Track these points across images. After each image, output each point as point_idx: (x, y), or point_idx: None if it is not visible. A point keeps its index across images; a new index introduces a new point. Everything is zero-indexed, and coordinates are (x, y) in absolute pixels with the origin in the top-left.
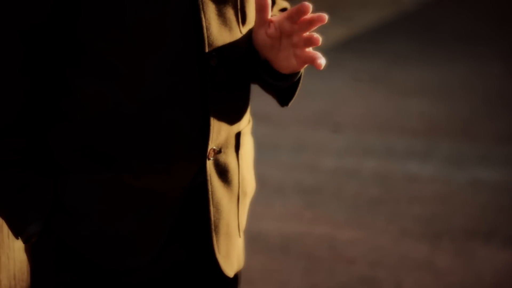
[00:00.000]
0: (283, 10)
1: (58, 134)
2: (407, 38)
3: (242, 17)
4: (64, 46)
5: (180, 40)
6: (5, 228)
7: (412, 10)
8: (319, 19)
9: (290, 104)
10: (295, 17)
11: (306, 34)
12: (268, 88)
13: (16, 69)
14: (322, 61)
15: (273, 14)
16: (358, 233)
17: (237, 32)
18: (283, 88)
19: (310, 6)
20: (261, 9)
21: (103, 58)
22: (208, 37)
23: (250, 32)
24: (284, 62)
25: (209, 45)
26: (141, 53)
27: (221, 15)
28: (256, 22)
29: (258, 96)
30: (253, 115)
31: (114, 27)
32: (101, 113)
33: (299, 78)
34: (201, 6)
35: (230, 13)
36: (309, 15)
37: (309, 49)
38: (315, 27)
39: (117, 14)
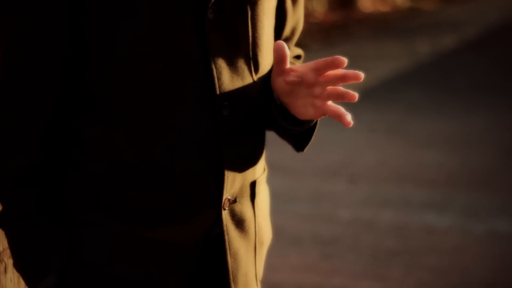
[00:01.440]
0: (297, 57)
1: (71, 185)
2: (423, 89)
3: (254, 66)
4: (76, 96)
5: (191, 91)
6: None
7: (428, 61)
8: (355, 77)
9: (305, 150)
10: (323, 69)
11: (334, 87)
12: (283, 133)
13: (32, 121)
14: (349, 117)
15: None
16: (375, 285)
17: (250, 81)
18: (299, 133)
19: (345, 61)
20: (279, 61)
21: (113, 108)
22: (219, 86)
23: (264, 78)
24: (301, 109)
25: (221, 94)
26: (152, 104)
27: (233, 64)
28: (274, 71)
29: (274, 147)
30: (269, 165)
31: (123, 77)
32: (113, 164)
33: (315, 123)
34: (211, 56)
35: (242, 62)
36: (343, 71)
37: (330, 102)
38: (344, 83)
39: (126, 65)
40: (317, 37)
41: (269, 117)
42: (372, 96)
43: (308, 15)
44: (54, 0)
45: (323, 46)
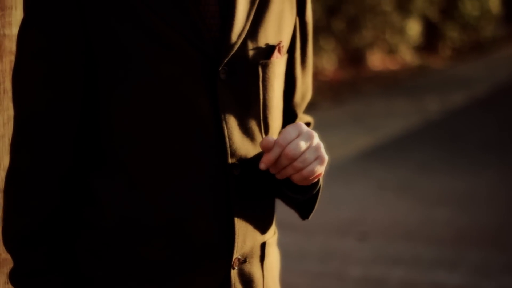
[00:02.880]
0: (307, 124)
1: (83, 243)
2: (433, 146)
3: (265, 128)
4: (88, 151)
5: (202, 151)
6: None
7: (437, 119)
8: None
9: (310, 217)
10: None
11: None
12: (288, 201)
13: (47, 179)
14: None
15: None
16: None
17: None
18: (302, 201)
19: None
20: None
21: (124, 165)
22: (230, 146)
23: None
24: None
25: (232, 154)
26: (162, 163)
27: (244, 125)
28: None
29: (284, 205)
30: (279, 223)
31: (134, 135)
32: (124, 220)
33: (318, 191)
34: (223, 116)
35: (252, 123)
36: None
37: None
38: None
39: (138, 123)
40: (326, 95)
41: (275, 185)
42: (382, 154)
43: (317, 72)
44: (68, 50)
45: (332, 104)
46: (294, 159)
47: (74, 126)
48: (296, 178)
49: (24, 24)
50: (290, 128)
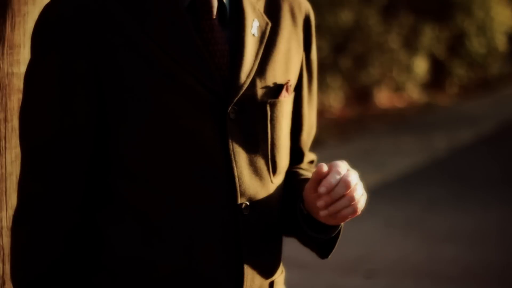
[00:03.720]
0: (311, 162)
1: (97, 285)
2: (440, 184)
3: (273, 167)
4: (98, 193)
5: (212, 190)
6: None
7: (444, 156)
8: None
9: (330, 256)
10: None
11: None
12: (308, 241)
13: (57, 217)
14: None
15: (304, 168)
16: None
17: (268, 182)
18: (324, 241)
19: (322, 168)
20: (317, 180)
21: (133, 206)
22: (240, 186)
23: (281, 179)
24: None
25: (241, 194)
26: (172, 203)
27: (253, 164)
28: (310, 188)
29: (290, 243)
30: (286, 261)
31: (142, 175)
32: (132, 262)
33: (339, 230)
34: (232, 155)
35: (261, 162)
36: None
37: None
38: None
39: (146, 162)
40: (333, 133)
41: (293, 225)
42: (389, 191)
43: (324, 110)
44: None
45: (339, 141)
46: (349, 187)
47: (85, 161)
48: (344, 212)
49: (33, 62)
50: (339, 162)
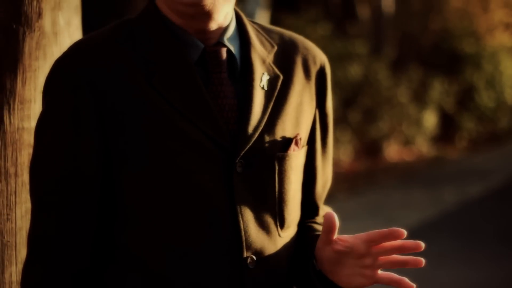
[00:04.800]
0: None
1: None
2: (450, 238)
3: (280, 221)
4: (104, 247)
5: (217, 242)
6: None
7: (453, 209)
8: (415, 247)
9: None
10: (377, 241)
11: (391, 257)
12: None
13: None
14: (408, 281)
15: (319, 222)
16: None
17: (276, 236)
18: None
19: (405, 233)
20: (329, 231)
21: (138, 258)
22: (246, 240)
23: (289, 233)
24: (348, 278)
25: (247, 248)
26: (177, 255)
27: (259, 218)
28: (321, 239)
29: None
30: None
31: (148, 227)
32: None
33: None
34: (238, 209)
35: (268, 216)
36: (400, 242)
37: (381, 270)
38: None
39: (152, 214)
40: (342, 186)
41: (304, 281)
42: None
43: (334, 164)
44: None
45: (349, 195)
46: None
47: (93, 204)
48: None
49: (43, 113)
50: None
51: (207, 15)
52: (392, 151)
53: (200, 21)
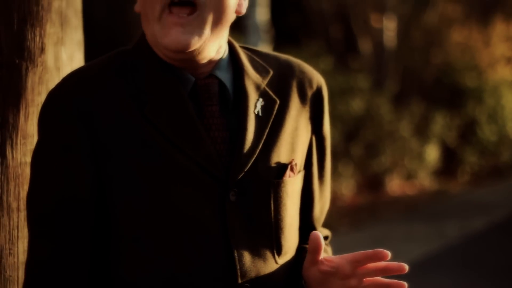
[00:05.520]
0: (325, 238)
1: None
2: (453, 272)
3: (277, 248)
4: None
5: (212, 271)
6: None
7: (457, 244)
8: (399, 270)
9: None
10: (362, 261)
11: (374, 279)
12: None
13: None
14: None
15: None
16: None
17: (272, 263)
18: None
19: (389, 254)
20: (314, 251)
21: (133, 284)
22: (240, 268)
23: (287, 259)
24: None
25: (242, 276)
26: (170, 283)
27: (255, 246)
28: (307, 260)
29: None
30: None
31: (142, 258)
32: None
33: None
34: (232, 238)
35: (264, 244)
36: (385, 263)
37: None
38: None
39: (144, 244)
40: (344, 220)
41: None
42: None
43: (336, 198)
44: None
45: (351, 229)
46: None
47: (88, 229)
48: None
49: (38, 142)
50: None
51: (197, 55)
52: (394, 185)
53: (189, 60)
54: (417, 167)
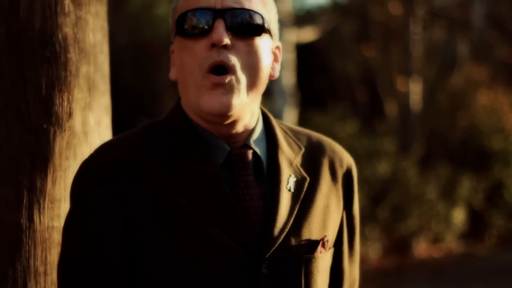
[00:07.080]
0: None
1: None
2: None
3: None
4: None
5: None
6: None
7: None
8: None
9: None
10: None
11: None
12: None
13: None
14: None
15: None
16: None
17: None
18: None
19: None
20: None
21: None
22: None
23: None
24: None
25: None
26: None
27: None
28: None
29: None
30: None
31: None
32: None
33: None
34: None
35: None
36: None
37: None
38: None
39: None
40: (371, 283)
41: None
42: None
43: (362, 261)
44: (111, 240)
45: None
46: None
47: None
48: None
49: (71, 213)
50: None
51: (234, 121)
52: (421, 248)
53: (227, 126)
54: (444, 230)
